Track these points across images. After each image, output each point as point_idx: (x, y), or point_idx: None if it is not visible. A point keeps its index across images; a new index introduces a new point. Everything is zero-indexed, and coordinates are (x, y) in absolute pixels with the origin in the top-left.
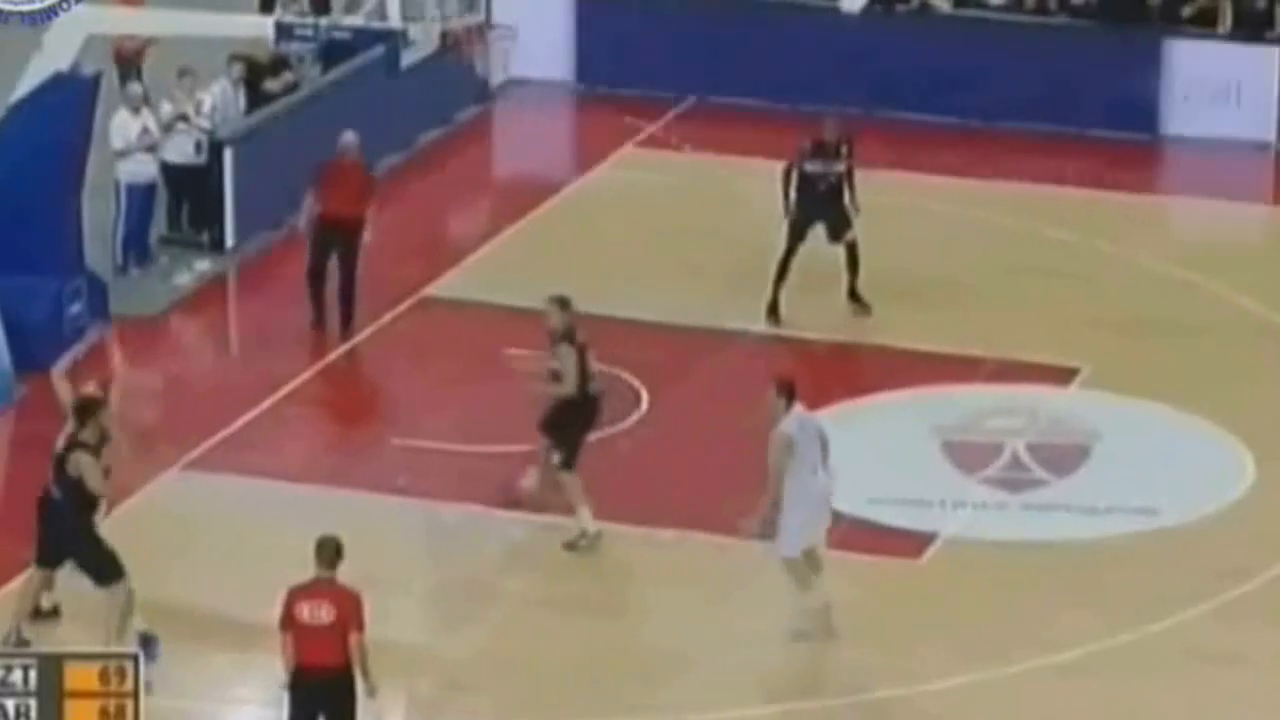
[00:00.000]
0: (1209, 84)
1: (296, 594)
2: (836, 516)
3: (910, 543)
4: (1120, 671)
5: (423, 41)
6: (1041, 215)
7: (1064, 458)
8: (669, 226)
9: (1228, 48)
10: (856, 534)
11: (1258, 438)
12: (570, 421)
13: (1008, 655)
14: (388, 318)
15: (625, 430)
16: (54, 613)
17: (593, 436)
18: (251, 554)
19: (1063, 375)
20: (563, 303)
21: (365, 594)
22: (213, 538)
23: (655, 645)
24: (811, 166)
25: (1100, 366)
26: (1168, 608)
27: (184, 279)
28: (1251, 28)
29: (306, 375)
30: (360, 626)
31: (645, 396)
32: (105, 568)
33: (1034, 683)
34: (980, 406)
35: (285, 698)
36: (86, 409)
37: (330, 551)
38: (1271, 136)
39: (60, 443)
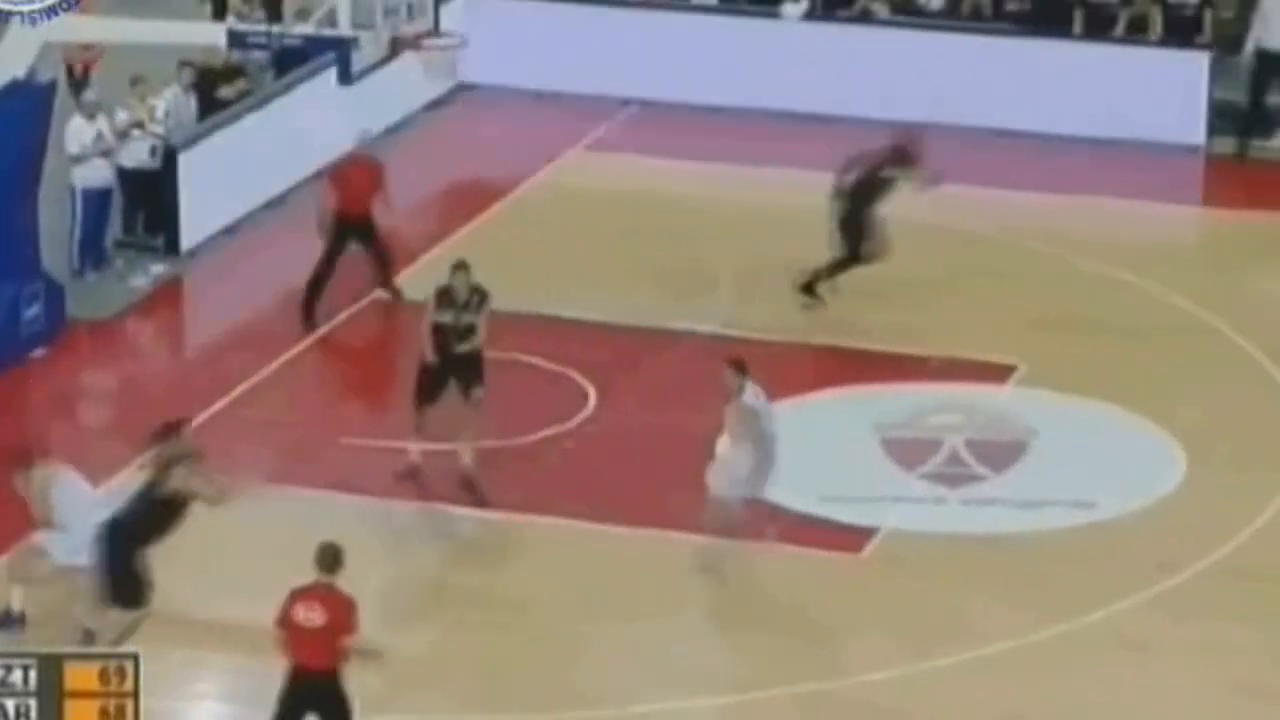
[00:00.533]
0: (1139, 89)
1: (296, 595)
2: (778, 510)
3: (851, 537)
4: (1056, 661)
5: (372, 48)
6: (979, 217)
7: (1001, 453)
8: (616, 228)
9: (1158, 53)
10: (798, 528)
11: (1190, 433)
12: (481, 364)
13: (947, 646)
14: (342, 318)
15: (572, 429)
16: (21, 619)
17: (541, 435)
18: (205, 552)
19: (999, 373)
20: (468, 265)
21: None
22: (168, 536)
23: (603, 639)
24: (890, 173)
25: (1036, 365)
26: (1102, 599)
27: (139, 281)
28: (1181, 34)
29: (260, 376)
30: (353, 629)
31: (593, 395)
32: (129, 596)
33: (973, 673)
34: (919, 404)
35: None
36: (171, 428)
37: (328, 557)
38: (1201, 140)
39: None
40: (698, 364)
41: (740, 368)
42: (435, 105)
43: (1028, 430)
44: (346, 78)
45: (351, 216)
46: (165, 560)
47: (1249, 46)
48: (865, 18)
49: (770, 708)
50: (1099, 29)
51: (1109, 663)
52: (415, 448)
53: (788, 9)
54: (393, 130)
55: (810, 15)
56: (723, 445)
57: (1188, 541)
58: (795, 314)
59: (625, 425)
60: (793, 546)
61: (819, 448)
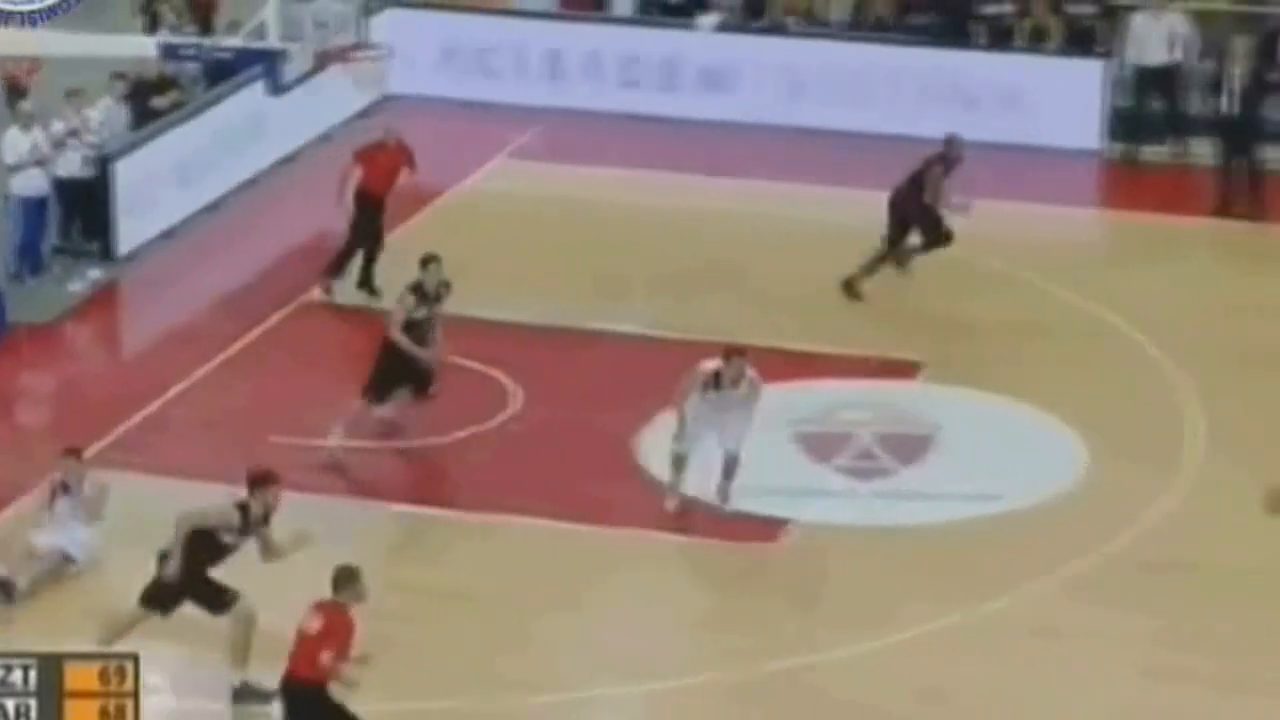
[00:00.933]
0: (1040, 94)
1: (313, 605)
2: (698, 504)
3: (766, 529)
4: (967, 645)
5: (300, 60)
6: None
7: (909, 447)
8: (540, 233)
9: (1057, 62)
10: (715, 521)
11: (1090, 428)
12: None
13: (863, 631)
14: (273, 320)
15: (497, 426)
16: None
17: (469, 431)
18: (143, 548)
19: (906, 370)
20: (439, 258)
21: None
22: (107, 533)
23: (540, 628)
24: (924, 178)
25: (941, 361)
26: (1007, 587)
27: (76, 287)
28: (1079, 44)
29: (194, 377)
30: (337, 650)
31: (518, 394)
32: (216, 599)
33: (883, 659)
34: (831, 400)
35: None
36: (263, 479)
37: (341, 578)
38: (1098, 145)
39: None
40: (621, 364)
41: (741, 352)
42: (363, 115)
43: (933, 425)
44: (276, 88)
45: (373, 197)
46: (108, 557)
47: (1119, 68)
48: (776, 29)
49: (697, 693)
50: (1000, 39)
51: (1017, 647)
52: (335, 443)
53: (702, 21)
54: (322, 139)
55: (724, 27)
56: (691, 407)
57: (1089, 532)
58: (714, 316)
59: (550, 423)
60: (713, 539)
61: None
